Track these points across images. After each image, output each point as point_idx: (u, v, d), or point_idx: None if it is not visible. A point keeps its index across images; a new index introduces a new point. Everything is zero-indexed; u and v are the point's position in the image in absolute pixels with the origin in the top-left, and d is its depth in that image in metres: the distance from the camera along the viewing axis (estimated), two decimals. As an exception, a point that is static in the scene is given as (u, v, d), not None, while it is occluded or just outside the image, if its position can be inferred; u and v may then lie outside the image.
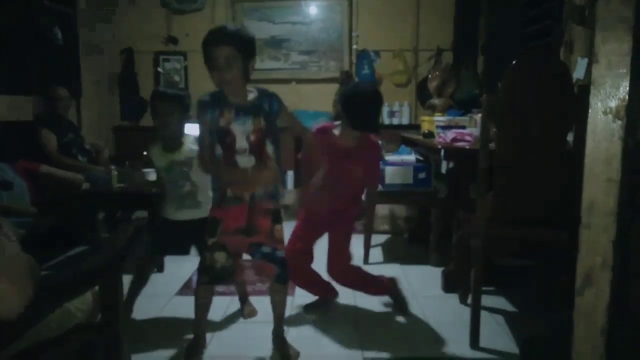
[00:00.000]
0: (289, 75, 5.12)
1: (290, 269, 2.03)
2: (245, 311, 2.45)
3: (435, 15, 4.92)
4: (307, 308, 2.51)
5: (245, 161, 1.82)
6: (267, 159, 1.85)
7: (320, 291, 2.54)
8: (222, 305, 2.56)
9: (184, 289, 2.79)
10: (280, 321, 2.06)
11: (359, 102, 2.20)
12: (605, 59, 0.99)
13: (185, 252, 2.42)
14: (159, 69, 5.10)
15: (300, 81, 5.09)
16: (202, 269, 1.91)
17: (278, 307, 2.04)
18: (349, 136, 2.26)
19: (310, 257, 2.45)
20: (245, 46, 1.74)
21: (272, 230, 1.90)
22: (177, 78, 5.12)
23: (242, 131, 1.79)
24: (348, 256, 2.39)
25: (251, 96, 1.83)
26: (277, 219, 1.92)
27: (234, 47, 1.69)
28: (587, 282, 1.02)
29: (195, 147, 2.24)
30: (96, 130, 4.73)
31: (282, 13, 5.08)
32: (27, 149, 3.36)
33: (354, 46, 4.92)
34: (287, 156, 1.95)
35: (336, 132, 2.31)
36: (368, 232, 3.19)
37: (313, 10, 5.06)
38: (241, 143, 1.80)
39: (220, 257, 1.88)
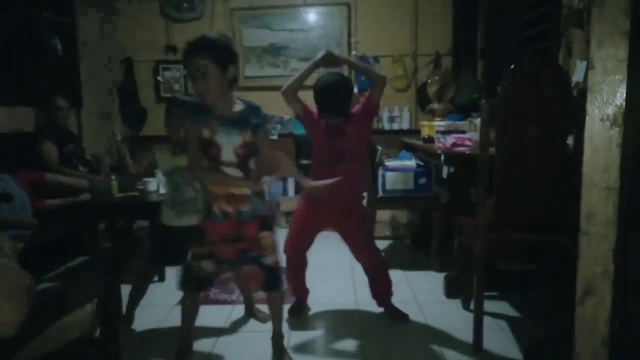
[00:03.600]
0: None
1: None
2: (260, 316, 2.46)
3: (434, 20, 4.92)
4: (292, 312, 2.55)
5: (232, 174, 1.81)
6: (252, 172, 1.84)
7: (298, 291, 2.58)
8: (224, 313, 2.56)
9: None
10: (277, 327, 2.06)
11: (323, 91, 2.24)
12: (600, 64, 0.98)
13: (184, 260, 2.41)
14: (159, 78, 5.12)
15: (299, 88, 5.09)
16: (188, 277, 1.91)
17: (275, 314, 2.04)
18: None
19: (303, 268, 2.51)
20: (222, 55, 1.72)
21: (259, 237, 1.88)
22: (177, 87, 5.14)
23: (228, 143, 1.78)
24: (371, 236, 2.43)
25: (238, 108, 1.82)
26: (264, 226, 1.89)
27: (209, 57, 1.68)
28: (588, 291, 1.01)
29: None
30: (97, 140, 4.74)
31: (281, 20, 5.09)
32: (29, 160, 3.37)
33: (353, 52, 4.92)
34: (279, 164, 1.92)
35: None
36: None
37: (312, 17, 5.07)
38: (228, 156, 1.78)
39: (207, 265, 1.88)
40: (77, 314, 1.27)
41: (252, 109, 1.85)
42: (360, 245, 2.43)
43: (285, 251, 2.43)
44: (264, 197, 1.90)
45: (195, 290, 1.94)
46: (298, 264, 2.51)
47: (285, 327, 2.41)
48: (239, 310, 2.59)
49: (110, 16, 5.02)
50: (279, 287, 1.98)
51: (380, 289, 2.53)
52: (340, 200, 2.30)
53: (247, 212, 1.84)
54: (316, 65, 2.32)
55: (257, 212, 1.86)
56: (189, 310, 1.98)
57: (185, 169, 2.24)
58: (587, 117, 1.00)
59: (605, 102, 0.97)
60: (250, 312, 2.52)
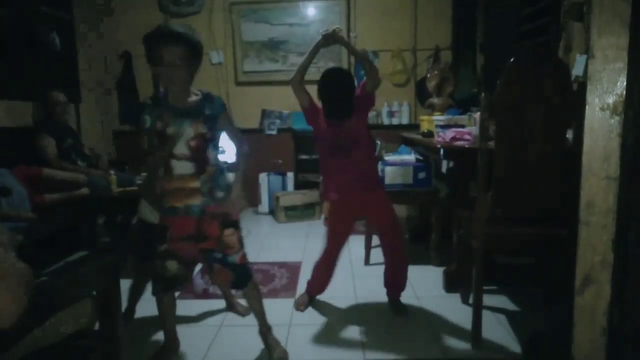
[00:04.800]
0: (287, 77, 5.02)
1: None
2: (240, 310, 2.46)
3: (433, 14, 4.91)
4: (299, 302, 2.58)
5: (185, 168, 1.76)
6: (207, 165, 1.80)
7: (319, 287, 2.60)
8: (213, 307, 2.56)
9: (185, 293, 2.78)
10: (261, 320, 2.05)
11: (329, 97, 2.28)
12: (601, 53, 0.97)
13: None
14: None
15: (299, 82, 5.08)
16: (155, 277, 1.88)
17: (256, 308, 2.03)
18: None
19: (333, 268, 2.54)
20: (193, 48, 1.72)
21: (221, 236, 1.84)
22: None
23: (180, 135, 1.73)
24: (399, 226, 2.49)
25: (193, 98, 1.79)
26: (226, 224, 1.85)
27: (181, 48, 1.67)
28: (587, 281, 1.00)
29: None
30: (96, 134, 4.74)
31: (280, 15, 5.07)
32: (27, 155, 3.36)
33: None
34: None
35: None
36: (369, 232, 3.18)
37: (311, 11, 5.06)
38: (181, 148, 1.74)
39: (171, 265, 1.84)
40: (76, 307, 1.27)
41: (208, 99, 1.79)
42: (389, 227, 2.44)
43: (328, 243, 2.48)
44: (220, 190, 1.83)
45: (163, 290, 1.89)
46: (331, 262, 2.50)
47: (285, 319, 2.42)
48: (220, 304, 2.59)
49: (108, 10, 5.00)
50: (249, 283, 1.96)
51: (395, 278, 2.54)
52: (361, 187, 2.33)
53: (198, 206, 1.79)
54: (318, 47, 2.32)
55: (210, 205, 1.81)
56: (164, 309, 1.94)
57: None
58: (587, 106, 0.99)
59: (606, 91, 0.96)
60: (230, 306, 2.51)
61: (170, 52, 1.66)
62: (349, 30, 4.98)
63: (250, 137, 5.14)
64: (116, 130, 5.10)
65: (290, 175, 4.93)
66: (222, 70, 5.11)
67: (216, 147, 1.85)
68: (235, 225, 1.88)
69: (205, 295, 2.74)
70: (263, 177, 4.86)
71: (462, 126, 2.86)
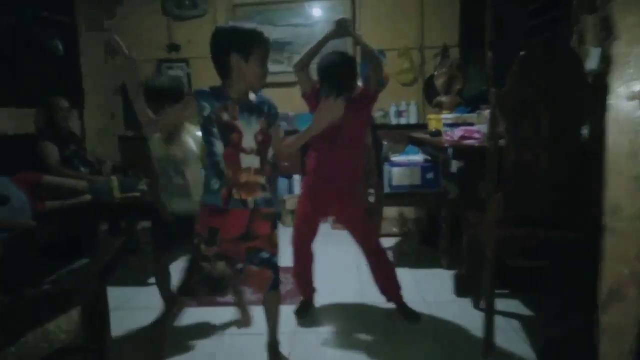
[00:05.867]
0: (292, 79, 4.98)
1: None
2: (242, 319, 2.38)
3: (440, 11, 4.81)
4: (299, 313, 2.49)
5: (250, 161, 1.73)
6: (267, 162, 1.80)
7: (306, 291, 2.53)
8: (221, 316, 2.49)
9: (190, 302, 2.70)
10: (274, 332, 1.98)
11: (326, 65, 2.23)
12: (627, 34, 0.84)
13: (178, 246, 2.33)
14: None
15: (304, 84, 5.02)
16: (198, 279, 1.80)
17: (273, 316, 1.96)
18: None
19: (309, 263, 2.45)
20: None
21: (271, 235, 1.82)
22: (180, 85, 5.08)
23: (248, 129, 1.72)
24: (376, 229, 2.45)
25: (253, 97, 1.77)
26: (275, 223, 1.86)
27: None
28: (613, 296, 0.89)
29: (193, 145, 2.25)
30: (100, 140, 4.71)
31: (284, 15, 5.01)
32: (30, 162, 3.33)
33: (358, 46, 4.82)
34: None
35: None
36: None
37: (315, 11, 4.99)
38: (249, 142, 1.72)
39: (221, 267, 1.79)
40: (61, 320, 1.20)
41: (267, 100, 1.81)
42: (360, 230, 2.37)
43: (293, 244, 2.41)
44: (274, 188, 1.87)
45: (210, 294, 1.84)
46: (305, 256, 2.45)
47: (291, 326, 2.34)
48: (229, 312, 2.51)
49: (111, 14, 4.97)
50: (279, 285, 1.91)
51: (385, 280, 2.45)
52: (337, 184, 2.28)
53: (262, 200, 1.78)
54: (327, 38, 2.29)
55: (269, 203, 1.82)
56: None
57: (174, 156, 2.23)
58: (610, 96, 0.88)
59: (633, 77, 0.85)
60: (242, 314, 2.41)
61: (268, 52, 1.74)
62: (354, 29, 4.89)
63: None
64: (121, 135, 5.07)
65: (296, 178, 4.85)
66: (226, 72, 5.06)
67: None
68: (276, 225, 1.87)
69: (208, 302, 2.67)
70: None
71: (471, 124, 2.76)
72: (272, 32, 5.02)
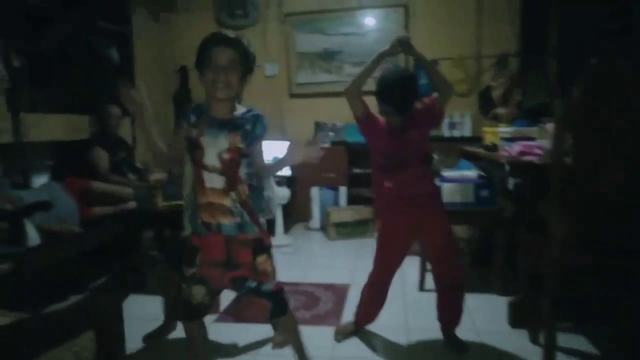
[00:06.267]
0: (342, 88, 4.88)
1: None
2: (276, 340, 2.25)
3: (498, 18, 4.56)
4: (340, 334, 2.37)
5: (214, 181, 1.61)
6: (238, 183, 1.64)
7: (365, 319, 2.39)
8: (250, 333, 2.38)
9: (224, 315, 2.64)
10: (300, 356, 1.85)
11: (387, 83, 2.08)
12: None
13: None
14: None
15: (354, 94, 4.90)
16: (178, 303, 1.70)
17: (294, 342, 1.83)
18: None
19: (384, 296, 2.30)
20: (248, 58, 1.63)
21: (255, 263, 1.66)
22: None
23: (213, 146, 1.60)
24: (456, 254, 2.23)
25: (238, 113, 1.66)
26: (259, 249, 1.67)
27: (237, 53, 1.59)
28: None
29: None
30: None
31: (335, 24, 4.93)
32: (81, 168, 3.40)
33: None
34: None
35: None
36: (425, 254, 2.90)
37: (367, 20, 4.88)
38: (211, 159, 1.60)
39: (198, 291, 1.66)
40: (77, 344, 1.13)
41: (252, 116, 1.66)
42: (444, 255, 2.17)
43: (373, 277, 2.27)
44: (251, 212, 1.67)
45: (186, 319, 1.71)
46: (381, 288, 2.28)
47: (327, 352, 2.20)
48: (262, 329, 2.38)
49: (166, 24, 5.08)
50: (286, 311, 1.76)
51: (450, 313, 2.26)
52: (418, 205, 2.10)
53: (229, 226, 1.63)
54: (383, 56, 2.11)
55: (243, 229, 1.65)
56: (191, 334, 1.74)
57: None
58: None
59: None
60: (278, 332, 2.30)
61: (222, 54, 1.57)
62: (406, 38, 4.74)
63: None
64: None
65: (342, 189, 4.72)
66: (275, 82, 5.04)
67: (250, 165, 1.69)
68: (267, 251, 1.71)
69: (245, 318, 2.58)
70: (315, 191, 4.70)
71: (532, 139, 2.53)
72: (322, 41, 4.97)
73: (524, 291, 2.38)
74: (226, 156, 1.60)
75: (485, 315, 2.54)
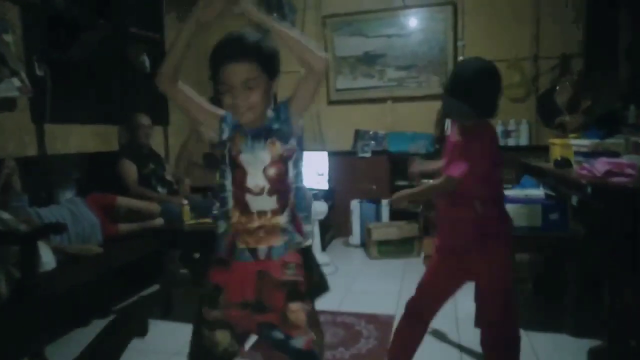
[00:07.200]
0: (384, 94, 4.62)
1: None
2: None
3: (559, 15, 4.12)
4: None
5: (262, 204, 1.32)
6: (290, 194, 1.35)
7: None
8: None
9: (251, 351, 2.35)
10: None
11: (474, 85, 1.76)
12: None
13: None
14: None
15: (396, 99, 4.57)
16: (201, 351, 1.39)
17: None
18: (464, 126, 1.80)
19: (423, 328, 1.93)
20: (270, 62, 1.30)
21: (286, 310, 1.34)
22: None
23: (254, 164, 1.31)
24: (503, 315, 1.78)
25: (267, 116, 1.35)
26: (293, 295, 1.35)
27: (258, 62, 1.27)
28: None
29: None
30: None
31: (377, 26, 4.61)
32: (109, 180, 3.22)
33: (460, 57, 4.28)
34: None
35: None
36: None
37: (411, 20, 4.53)
38: (256, 180, 1.32)
39: (224, 337, 1.37)
40: None
41: (275, 110, 1.35)
42: (492, 299, 1.80)
43: (409, 305, 1.92)
44: (294, 217, 1.38)
45: None
46: (418, 327, 1.92)
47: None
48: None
49: (199, 30, 4.89)
50: None
51: None
52: (474, 238, 1.73)
53: (279, 248, 1.34)
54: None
55: (289, 243, 1.36)
56: None
57: None
58: None
59: None
60: None
61: (237, 73, 1.27)
62: (455, 39, 4.37)
63: (342, 160, 4.74)
64: (206, 153, 4.94)
65: (385, 203, 4.38)
66: (313, 88, 4.77)
67: (296, 164, 1.38)
68: (302, 296, 1.39)
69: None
70: (355, 205, 4.38)
71: (616, 154, 2.13)
72: (363, 44, 4.66)
73: (609, 336, 1.98)
74: (272, 172, 1.32)
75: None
